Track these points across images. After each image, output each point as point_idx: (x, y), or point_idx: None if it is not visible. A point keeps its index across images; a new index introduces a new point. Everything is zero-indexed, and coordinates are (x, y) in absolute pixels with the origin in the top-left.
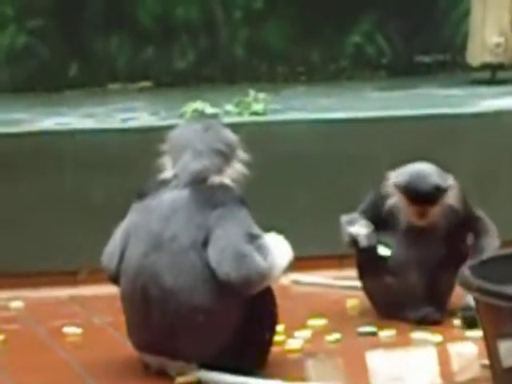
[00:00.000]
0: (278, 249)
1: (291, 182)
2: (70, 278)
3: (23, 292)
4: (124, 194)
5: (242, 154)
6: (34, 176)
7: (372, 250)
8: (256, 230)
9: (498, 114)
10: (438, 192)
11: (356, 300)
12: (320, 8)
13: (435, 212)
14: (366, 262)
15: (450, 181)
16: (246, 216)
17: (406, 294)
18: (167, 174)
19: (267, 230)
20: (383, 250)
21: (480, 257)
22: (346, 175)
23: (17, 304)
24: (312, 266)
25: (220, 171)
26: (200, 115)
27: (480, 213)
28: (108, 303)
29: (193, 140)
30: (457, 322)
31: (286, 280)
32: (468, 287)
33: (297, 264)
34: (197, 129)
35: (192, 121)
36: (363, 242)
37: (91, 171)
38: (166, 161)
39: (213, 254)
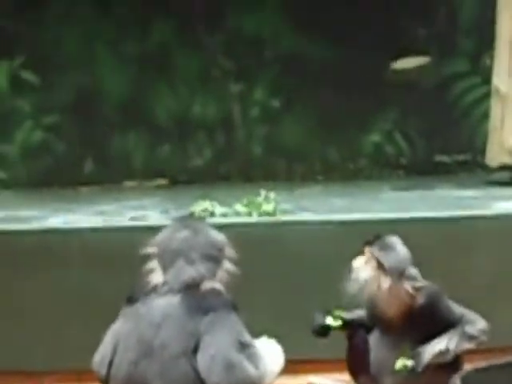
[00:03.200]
0: (270, 355)
1: (298, 283)
2: (74, 376)
3: None
4: (132, 289)
5: (230, 253)
6: (40, 274)
7: (318, 326)
8: (247, 337)
9: None
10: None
11: None
12: (338, 106)
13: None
14: (353, 361)
15: (413, 286)
16: (236, 322)
17: None
18: (157, 279)
19: (276, 330)
20: (329, 320)
21: (463, 345)
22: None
23: None
24: (323, 368)
25: (213, 275)
26: (210, 215)
27: (459, 309)
28: None
29: (183, 247)
30: None
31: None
32: None
33: (306, 367)
34: (186, 235)
35: (178, 225)
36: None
37: (98, 270)
38: (155, 266)
39: (202, 361)
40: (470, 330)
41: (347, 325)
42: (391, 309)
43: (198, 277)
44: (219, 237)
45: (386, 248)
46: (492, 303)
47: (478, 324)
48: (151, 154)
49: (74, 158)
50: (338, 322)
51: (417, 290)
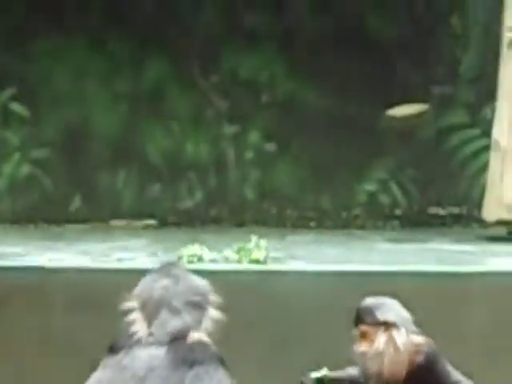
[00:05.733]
0: None
1: (286, 335)
2: None
3: None
4: (115, 338)
5: (215, 299)
6: (19, 313)
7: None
8: None
9: (508, 274)
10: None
11: None
12: (333, 153)
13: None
14: None
15: (419, 339)
16: (223, 376)
17: None
18: (140, 330)
19: (258, 382)
20: (314, 373)
21: None
22: (346, 331)
23: None
24: None
25: (199, 324)
26: (198, 260)
27: (456, 375)
28: None
29: (166, 297)
30: None
31: None
32: None
33: None
34: (167, 284)
35: (158, 273)
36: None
37: (81, 312)
38: (137, 318)
39: None
40: None
41: (337, 382)
42: (400, 366)
43: (184, 327)
44: (202, 283)
45: (378, 308)
46: (487, 360)
47: None
48: (140, 193)
49: (62, 194)
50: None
51: (419, 345)
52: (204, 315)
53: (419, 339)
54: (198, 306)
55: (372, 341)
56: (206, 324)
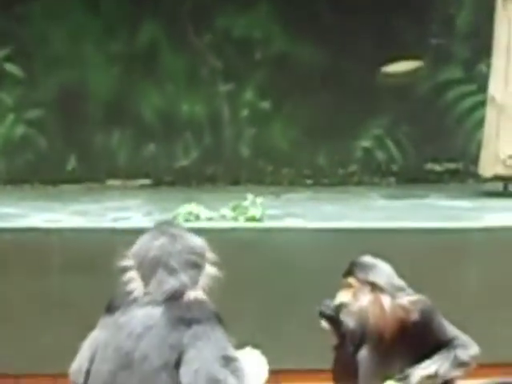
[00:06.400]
0: (254, 368)
1: (284, 291)
2: (50, 380)
3: None
4: (110, 297)
5: (212, 257)
6: (17, 274)
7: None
8: (231, 351)
9: (507, 229)
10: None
11: None
12: (328, 110)
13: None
14: (339, 373)
15: (409, 299)
16: (221, 335)
17: None
18: (137, 289)
19: (260, 339)
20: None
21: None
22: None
23: None
24: (308, 379)
25: (195, 283)
26: (195, 218)
27: (452, 330)
28: None
29: (162, 256)
30: None
31: None
32: None
33: (291, 377)
34: (163, 243)
35: (154, 232)
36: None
37: (77, 272)
38: (134, 277)
39: (185, 376)
40: (462, 355)
41: (342, 327)
42: (386, 326)
43: (181, 286)
44: (199, 242)
45: (371, 269)
46: (484, 315)
47: (469, 349)
48: (136, 153)
49: (57, 154)
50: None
51: (412, 304)
52: (201, 273)
53: (412, 298)
54: (195, 265)
55: (355, 296)
56: (203, 282)
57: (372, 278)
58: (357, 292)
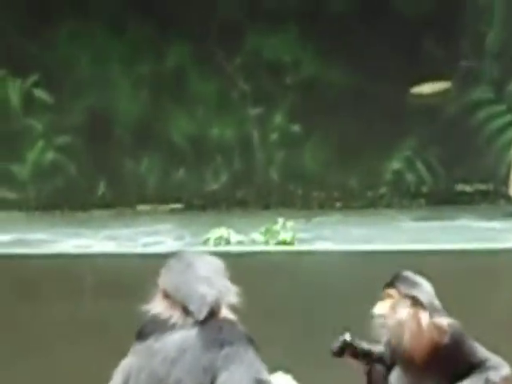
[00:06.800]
0: None
1: (315, 315)
2: None
3: None
4: (141, 323)
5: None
6: (49, 298)
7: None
8: (264, 374)
9: None
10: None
11: None
12: (358, 133)
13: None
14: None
15: (445, 321)
16: (253, 358)
17: None
18: (170, 316)
19: (288, 364)
20: (347, 336)
21: None
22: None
23: None
24: None
25: (229, 291)
26: (225, 243)
27: (483, 352)
28: None
29: (188, 279)
30: None
31: None
32: None
33: None
34: (184, 269)
35: (179, 258)
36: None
37: (109, 297)
38: (165, 303)
39: None
40: (494, 376)
41: (366, 355)
42: (421, 346)
43: (220, 295)
44: (217, 261)
45: (414, 284)
46: None
47: (501, 370)
48: (166, 177)
49: (87, 180)
50: (356, 344)
51: (447, 326)
52: (230, 287)
53: (445, 320)
54: (225, 275)
55: (393, 309)
56: (231, 299)
57: (414, 292)
58: (396, 304)
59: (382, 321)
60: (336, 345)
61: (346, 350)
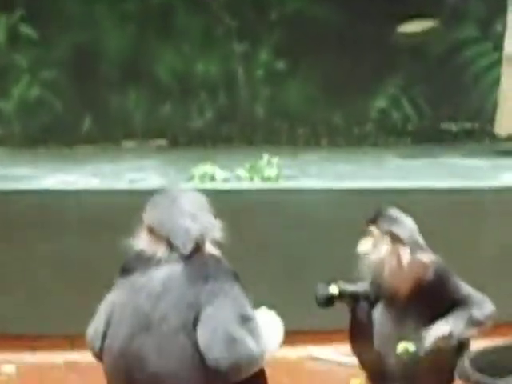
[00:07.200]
0: (270, 329)
1: (300, 251)
2: (67, 342)
3: (18, 355)
4: (126, 259)
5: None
6: (34, 235)
7: (322, 296)
8: (249, 309)
9: None
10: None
11: (361, 379)
12: (344, 70)
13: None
14: (355, 334)
15: (428, 257)
16: (238, 293)
17: (382, 369)
18: (155, 251)
19: (272, 301)
20: (333, 289)
21: (465, 327)
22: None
23: (9, 368)
24: (324, 339)
25: (214, 227)
26: (210, 179)
27: (467, 289)
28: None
29: (173, 214)
30: None
31: (295, 354)
32: (467, 380)
33: (307, 338)
34: (169, 205)
35: (164, 194)
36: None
37: (94, 233)
38: (150, 238)
39: (202, 335)
40: (477, 314)
41: (351, 296)
42: (403, 282)
43: (204, 230)
44: (201, 197)
45: (395, 221)
46: (499, 275)
47: (485, 308)
48: (151, 113)
49: (72, 116)
50: (342, 291)
51: (430, 262)
52: (215, 223)
53: (428, 257)
54: (209, 211)
55: (375, 246)
56: (216, 235)
57: (394, 228)
58: (377, 241)
59: (365, 258)
60: (322, 296)
61: (332, 300)
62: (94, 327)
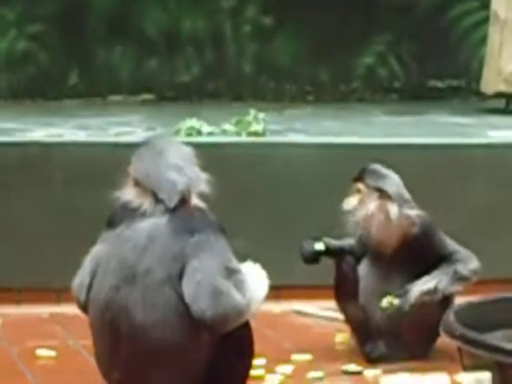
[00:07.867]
0: (255, 282)
1: (286, 206)
2: (53, 295)
3: (4, 308)
4: (110, 211)
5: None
6: (20, 187)
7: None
8: (234, 262)
9: (509, 146)
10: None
11: (345, 334)
12: (331, 27)
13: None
14: (340, 289)
15: (414, 212)
16: (224, 246)
17: (368, 324)
18: (141, 203)
19: (257, 255)
20: (319, 245)
21: (452, 283)
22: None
23: None
24: (308, 295)
25: (200, 179)
26: (196, 133)
27: (453, 245)
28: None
29: (163, 164)
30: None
31: (280, 309)
32: (451, 334)
33: (291, 293)
34: (155, 156)
35: (150, 145)
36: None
37: (80, 186)
38: (136, 190)
39: (188, 287)
40: (462, 269)
41: (337, 252)
42: (389, 238)
43: (190, 183)
44: (188, 149)
45: (381, 177)
46: (486, 231)
47: (470, 263)
48: (138, 68)
49: (59, 69)
50: (328, 247)
51: (416, 217)
52: (200, 174)
53: (415, 212)
54: (195, 163)
55: (362, 202)
56: (202, 187)
57: (381, 184)
58: (364, 198)
59: (352, 215)
60: (308, 252)
61: (318, 257)
62: (80, 279)
